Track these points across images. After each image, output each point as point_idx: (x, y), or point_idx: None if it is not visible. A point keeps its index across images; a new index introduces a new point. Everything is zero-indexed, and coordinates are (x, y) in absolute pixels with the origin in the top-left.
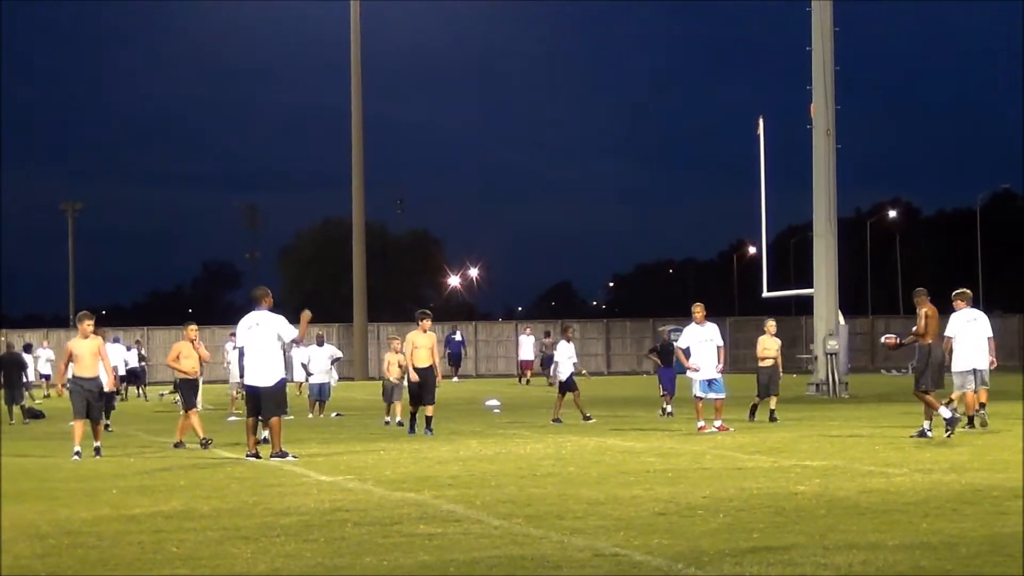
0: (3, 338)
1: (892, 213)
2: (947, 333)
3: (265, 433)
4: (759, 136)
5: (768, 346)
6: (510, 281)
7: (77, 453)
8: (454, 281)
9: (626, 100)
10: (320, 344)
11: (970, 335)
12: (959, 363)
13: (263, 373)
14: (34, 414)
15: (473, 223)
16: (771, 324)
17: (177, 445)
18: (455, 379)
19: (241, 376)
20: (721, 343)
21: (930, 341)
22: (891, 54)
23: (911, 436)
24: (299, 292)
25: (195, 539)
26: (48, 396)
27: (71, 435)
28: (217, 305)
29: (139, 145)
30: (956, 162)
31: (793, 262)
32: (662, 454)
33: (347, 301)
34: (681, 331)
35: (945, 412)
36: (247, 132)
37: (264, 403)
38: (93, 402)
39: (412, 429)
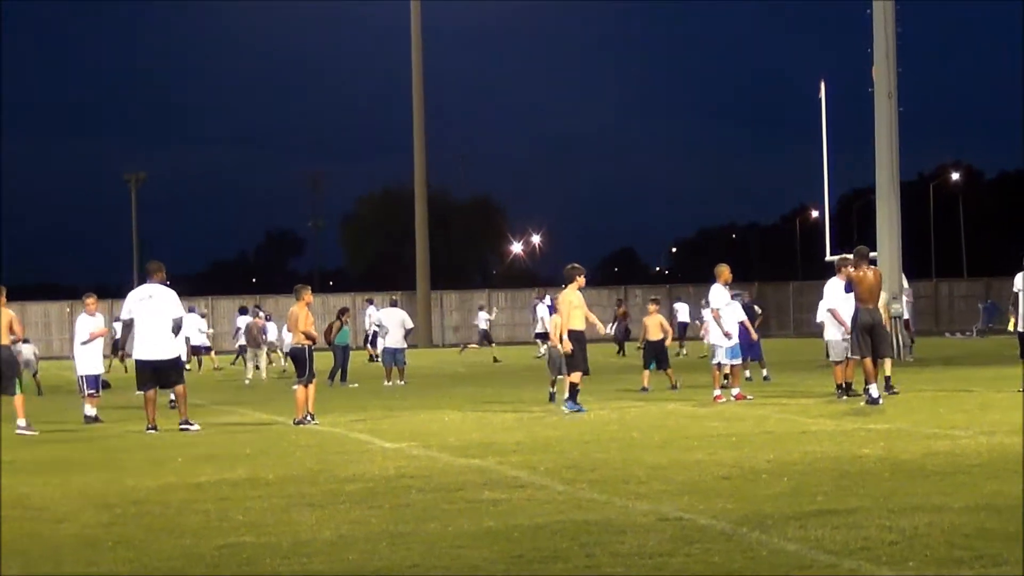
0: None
1: (955, 175)
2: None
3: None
4: (821, 100)
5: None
6: (572, 247)
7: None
8: (516, 248)
9: (687, 65)
10: (394, 304)
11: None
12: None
13: (161, 346)
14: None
15: (534, 189)
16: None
17: (298, 422)
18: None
19: (122, 348)
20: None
21: (860, 306)
22: (953, 15)
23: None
24: (361, 260)
25: (260, 506)
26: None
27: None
28: (280, 273)
29: (201, 114)
30: (1018, 124)
31: (856, 226)
32: (726, 419)
33: (409, 269)
34: (742, 295)
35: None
36: (309, 100)
37: (164, 375)
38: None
39: (553, 397)
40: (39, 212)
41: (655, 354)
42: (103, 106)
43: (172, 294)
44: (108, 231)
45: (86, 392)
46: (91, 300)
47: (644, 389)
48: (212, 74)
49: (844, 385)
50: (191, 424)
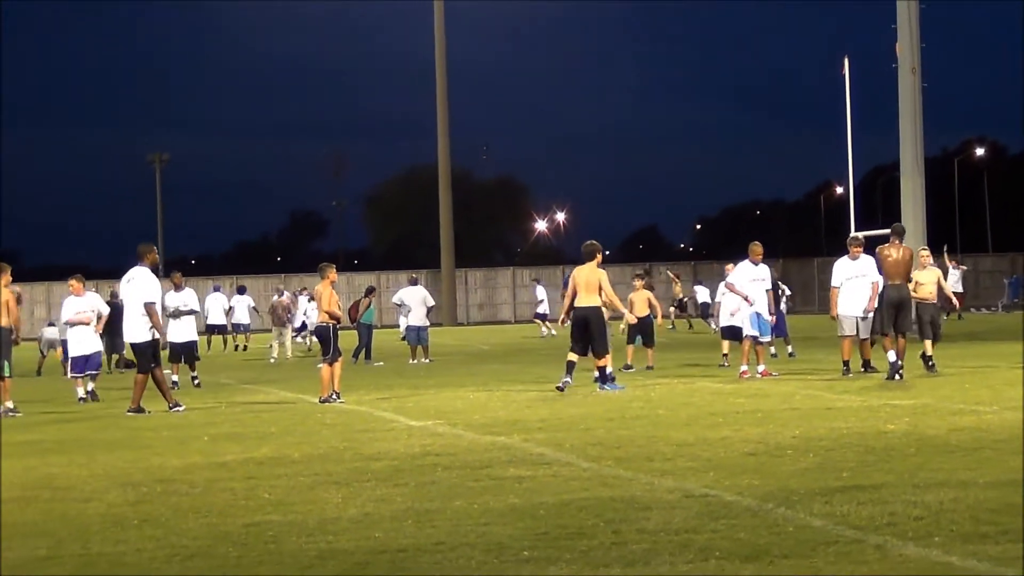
0: (111, 288)
1: (979, 151)
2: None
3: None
4: (845, 76)
5: (922, 280)
6: (596, 225)
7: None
8: (541, 226)
9: (710, 42)
10: (414, 283)
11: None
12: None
13: (133, 330)
14: (127, 364)
15: (558, 168)
16: (924, 253)
17: (324, 400)
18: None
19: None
20: (771, 287)
21: (888, 283)
22: None
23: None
24: (385, 239)
25: (286, 485)
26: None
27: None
28: (304, 253)
29: (224, 96)
30: None
31: (881, 202)
32: (751, 395)
33: (433, 247)
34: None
35: (891, 356)
36: (331, 81)
37: (138, 358)
38: None
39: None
40: (66, 197)
41: (640, 330)
42: (130, 92)
43: (149, 278)
44: (135, 214)
45: (70, 373)
46: (74, 282)
47: (627, 367)
48: (237, 58)
49: (864, 363)
50: (142, 410)
